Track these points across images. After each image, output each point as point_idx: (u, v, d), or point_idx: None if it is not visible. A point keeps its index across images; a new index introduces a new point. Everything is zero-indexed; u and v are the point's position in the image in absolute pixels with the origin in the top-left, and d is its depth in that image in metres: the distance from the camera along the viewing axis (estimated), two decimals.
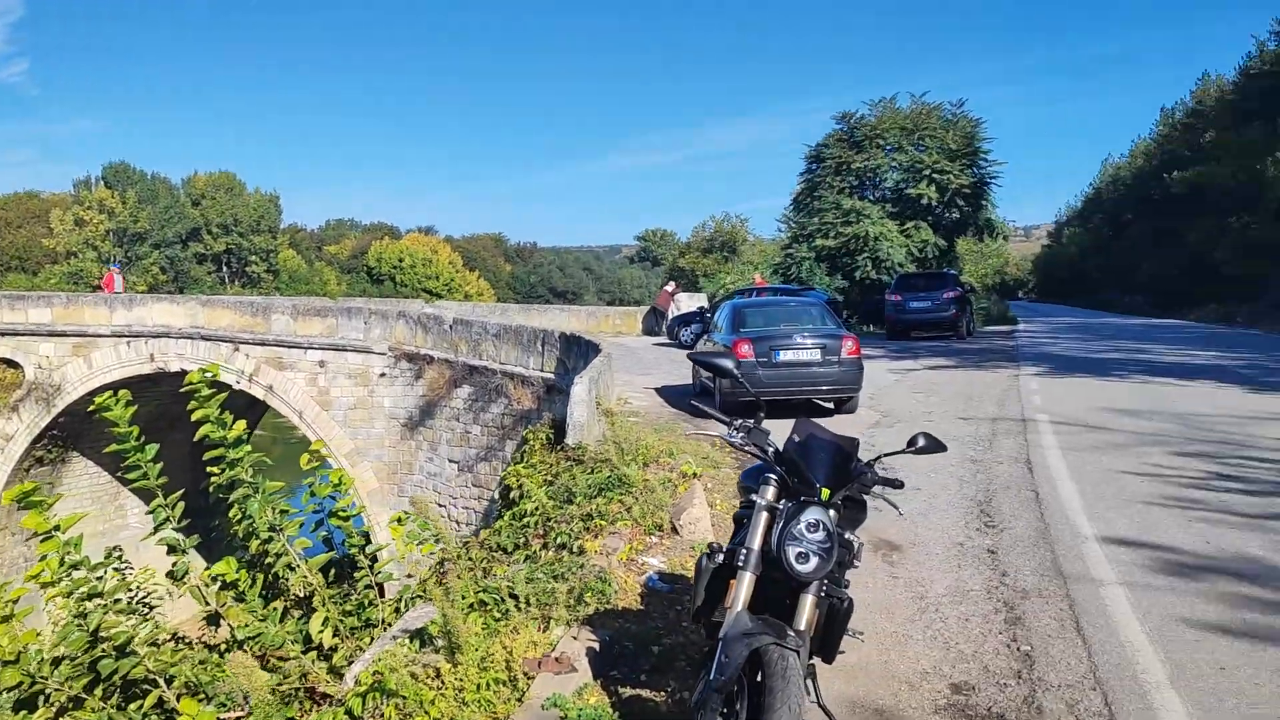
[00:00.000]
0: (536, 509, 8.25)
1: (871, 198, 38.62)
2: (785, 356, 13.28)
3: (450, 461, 20.94)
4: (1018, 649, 5.21)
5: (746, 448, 3.89)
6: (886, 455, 4.39)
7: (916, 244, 36.90)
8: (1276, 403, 14.24)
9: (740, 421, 3.94)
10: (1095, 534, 7.29)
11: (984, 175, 38.52)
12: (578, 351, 15.86)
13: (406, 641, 5.82)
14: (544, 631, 5.45)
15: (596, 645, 5.23)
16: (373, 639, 7.76)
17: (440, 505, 20.73)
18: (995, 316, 42.57)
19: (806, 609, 3.58)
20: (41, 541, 5.43)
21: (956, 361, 21.43)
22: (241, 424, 7.39)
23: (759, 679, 3.40)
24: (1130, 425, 12.26)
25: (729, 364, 4.38)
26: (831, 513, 3.64)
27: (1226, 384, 16.76)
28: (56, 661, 5.32)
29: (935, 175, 36.61)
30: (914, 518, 7.91)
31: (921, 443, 4.15)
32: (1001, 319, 42.55)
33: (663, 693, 4.75)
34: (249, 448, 7.50)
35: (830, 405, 13.98)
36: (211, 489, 6.58)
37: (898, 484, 4.13)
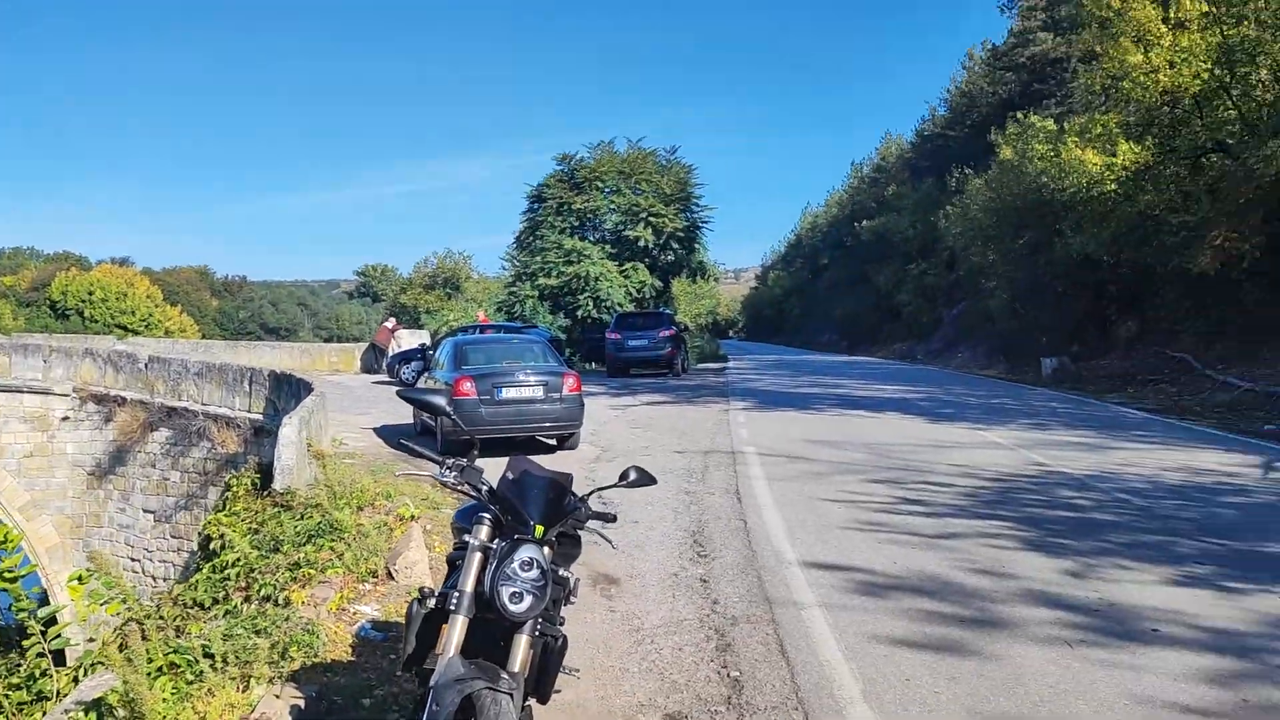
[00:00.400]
0: (239, 559, 7.68)
1: (592, 238, 39.59)
2: (508, 394, 13.24)
3: (145, 511, 19.23)
4: (728, 675, 5.39)
5: (460, 488, 3.79)
6: (601, 490, 4.43)
7: (635, 284, 38.16)
8: (950, 432, 15.79)
9: (453, 460, 3.84)
10: (797, 559, 7.71)
11: (697, 219, 40.55)
12: (289, 391, 15.08)
13: (81, 715, 5.21)
14: (243, 692, 5.04)
15: (302, 702, 4.91)
16: (44, 713, 6.92)
17: (134, 560, 18.97)
18: (708, 354, 44.64)
19: (521, 650, 3.52)
20: None
21: (672, 398, 22.24)
22: None
23: None
24: (828, 455, 13.16)
25: (441, 402, 4.26)
26: (546, 550, 3.60)
27: (909, 415, 18.41)
28: None
29: (651, 218, 38.11)
30: (631, 550, 8.06)
31: (633, 476, 4.23)
32: (714, 357, 44.68)
33: None
34: None
35: (553, 442, 14.07)
36: None
37: (611, 518, 4.17)
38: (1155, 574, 7.13)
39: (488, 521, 3.70)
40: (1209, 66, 22.33)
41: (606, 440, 14.91)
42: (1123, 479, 11.25)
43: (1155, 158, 24.14)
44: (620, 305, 36.41)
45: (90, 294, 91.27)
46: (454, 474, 3.79)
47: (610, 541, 4.29)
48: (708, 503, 10.16)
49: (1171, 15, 22.81)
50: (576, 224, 39.66)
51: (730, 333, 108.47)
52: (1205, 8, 22.51)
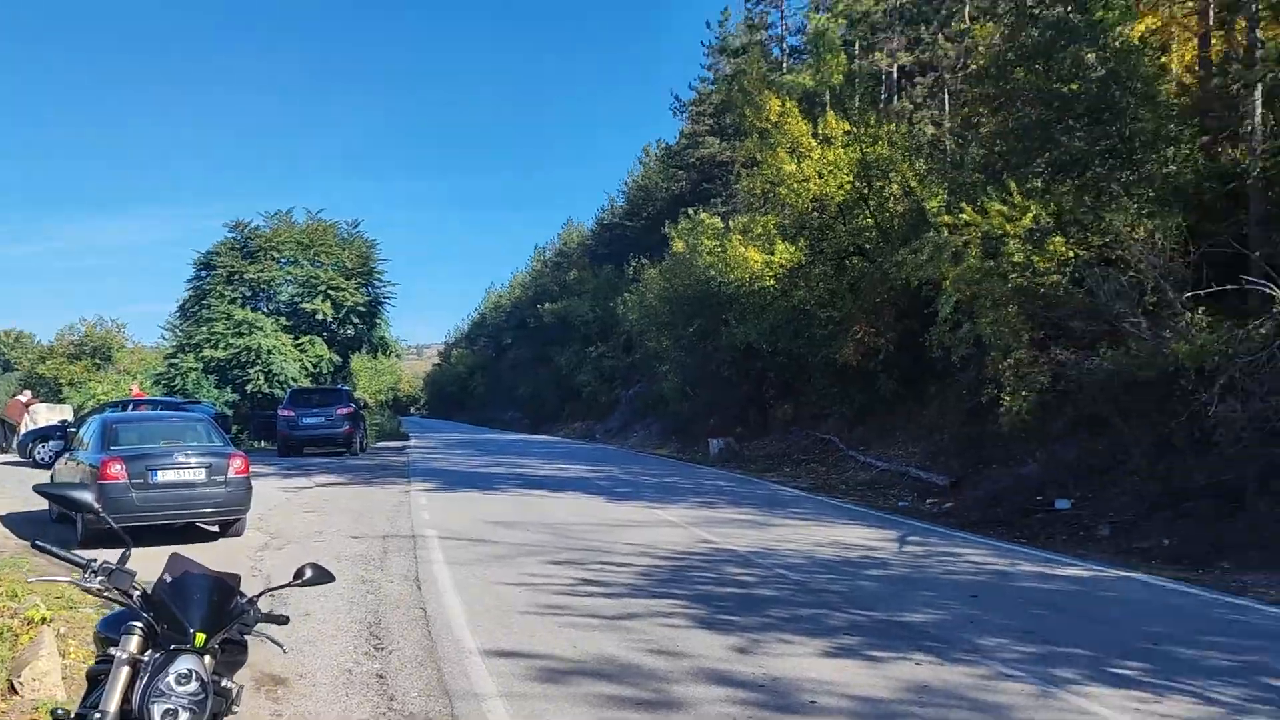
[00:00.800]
0: None
1: (266, 310, 37.67)
2: (165, 477, 12.15)
3: None
4: None
5: (106, 594, 3.40)
6: (273, 590, 4.15)
7: (311, 359, 36.62)
8: (627, 511, 16.30)
9: (100, 563, 3.43)
10: (478, 647, 7.58)
11: (379, 294, 39.75)
12: None
13: None
14: None
15: None
16: None
17: None
18: (388, 432, 43.53)
19: None
20: None
21: (350, 478, 21.41)
22: None
23: None
24: (510, 537, 13.14)
25: (88, 496, 3.82)
26: (207, 659, 3.29)
27: (590, 494, 18.83)
28: None
29: (331, 292, 36.91)
30: (301, 646, 7.58)
31: (309, 574, 3.97)
32: (394, 434, 43.63)
33: None
34: None
35: (215, 529, 13.05)
36: None
37: (283, 620, 3.89)
38: (811, 646, 7.67)
39: (139, 630, 3.33)
40: (850, 179, 25.13)
41: (276, 525, 14.05)
42: (781, 555, 12.08)
43: (807, 257, 26.67)
44: (295, 380, 34.73)
45: None
46: (100, 579, 3.39)
47: (280, 645, 3.99)
48: (386, 591, 9.79)
49: (820, 131, 25.54)
50: (249, 294, 37.60)
51: (412, 409, 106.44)
52: (847, 127, 25.43)
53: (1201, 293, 14.42)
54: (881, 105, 29.20)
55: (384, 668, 7.17)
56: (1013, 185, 16.72)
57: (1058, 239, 15.90)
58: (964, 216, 16.99)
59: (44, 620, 7.72)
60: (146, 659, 3.25)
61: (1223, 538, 12.49)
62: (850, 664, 7.19)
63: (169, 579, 3.44)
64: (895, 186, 25.43)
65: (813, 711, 6.11)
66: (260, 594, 3.83)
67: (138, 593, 3.40)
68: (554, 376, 60.89)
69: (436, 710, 6.20)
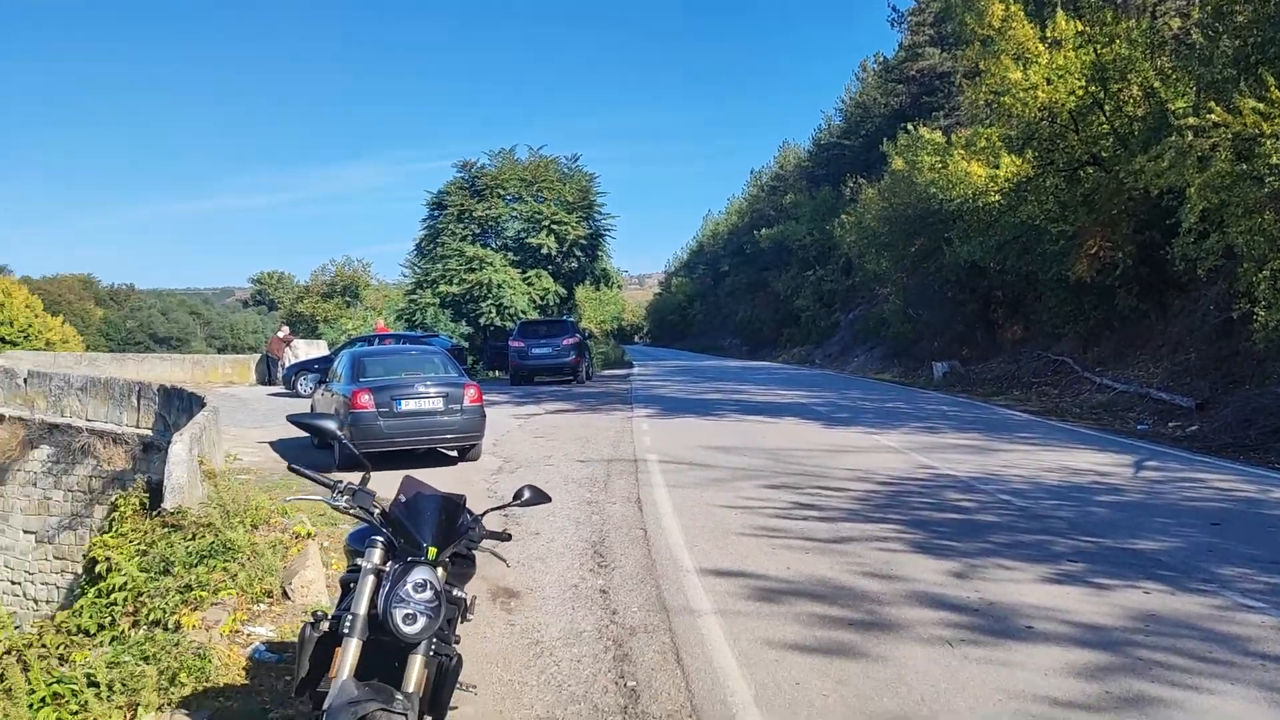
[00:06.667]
0: (126, 583, 7.48)
1: (494, 245, 39.39)
2: (408, 406, 13.13)
3: (26, 532, 18.45)
4: (625, 685, 5.49)
5: (351, 511, 3.81)
6: (494, 510, 4.49)
7: (538, 292, 38.09)
8: (846, 436, 16.21)
9: (345, 484, 3.85)
10: (695, 566, 7.86)
11: (600, 227, 40.70)
12: (179, 405, 14.69)
13: None
14: None
15: None
16: None
17: (14, 583, 18.18)
18: (613, 360, 44.84)
19: (415, 670, 3.56)
20: None
21: (576, 405, 22.29)
22: None
23: None
24: (728, 461, 13.39)
25: (332, 425, 4.26)
26: (439, 571, 3.65)
27: (807, 420, 18.83)
28: None
29: (554, 226, 38.11)
30: (531, 563, 8.11)
31: (527, 495, 4.30)
32: (618, 363, 44.91)
33: None
34: None
35: (454, 454, 14.00)
36: None
37: (505, 537, 4.23)
38: (1032, 572, 7.48)
39: (380, 545, 3.73)
40: (1083, 83, 23.36)
41: (509, 451, 14.90)
42: (1005, 480, 11.73)
43: (1035, 170, 25.14)
44: (524, 313, 36.31)
45: None
46: (345, 498, 3.81)
47: (504, 560, 4.35)
48: (609, 512, 10.26)
49: (1048, 34, 23.80)
50: (478, 231, 39.44)
51: (635, 338, 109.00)
52: (1080, 27, 23.56)
53: None
54: (1119, 1, 26.77)
55: (607, 584, 7.57)
56: (1270, 80, 15.08)
57: None
58: (1213, 117, 15.53)
59: (309, 535, 8.62)
60: (388, 569, 3.63)
61: None
62: (1073, 591, 6.97)
63: (403, 499, 3.82)
64: (1134, 88, 23.42)
65: (1030, 637, 5.99)
66: (484, 513, 4.17)
67: (377, 511, 3.80)
68: (771, 302, 60.65)
69: (655, 624, 6.51)
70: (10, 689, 4.47)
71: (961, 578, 7.38)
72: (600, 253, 41.15)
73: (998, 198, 25.47)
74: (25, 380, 19.20)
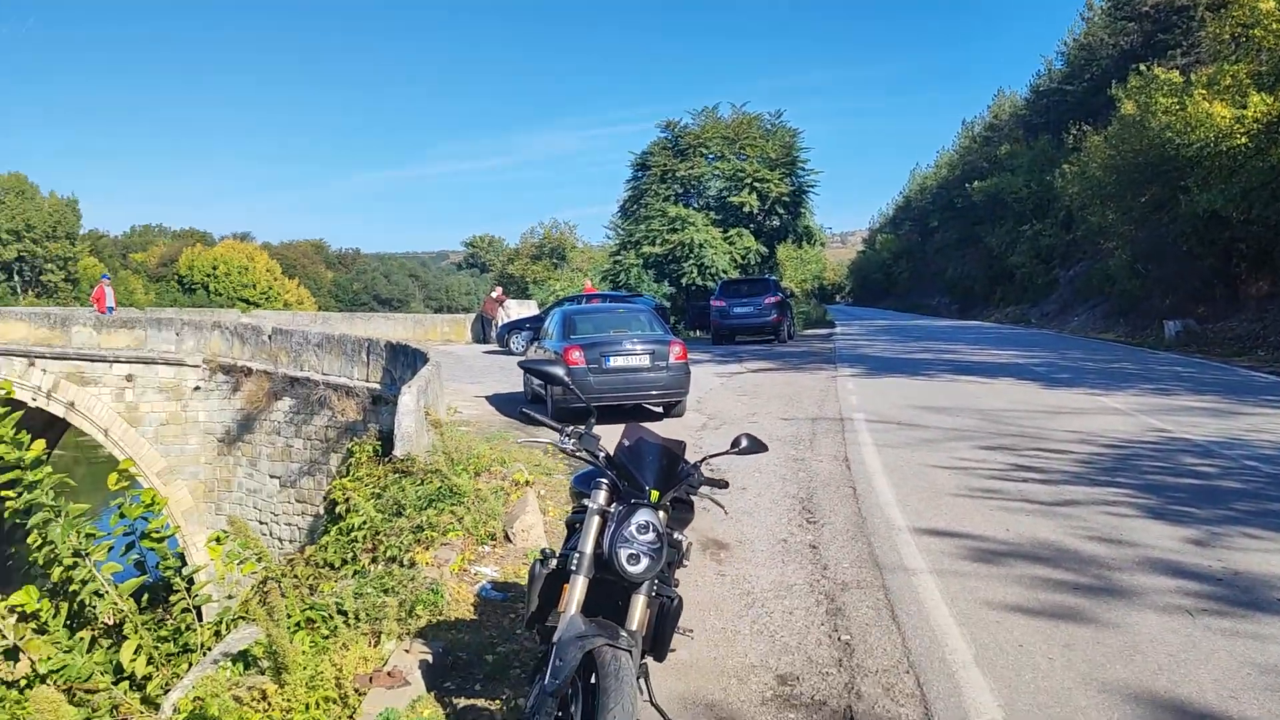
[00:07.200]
0: (364, 523, 8.05)
1: (696, 205, 39.52)
2: (615, 363, 13.43)
3: (271, 477, 20.16)
4: (838, 638, 5.46)
5: (579, 454, 3.94)
6: (712, 456, 4.54)
7: (740, 251, 38.00)
8: (1066, 398, 15.40)
9: (572, 428, 3.98)
10: (908, 525, 7.70)
11: (802, 184, 40.06)
12: (404, 360, 15.57)
13: (229, 665, 5.59)
14: (375, 646, 5.34)
15: (429, 657, 5.17)
16: (191, 665, 7.41)
17: (262, 523, 19.92)
18: (814, 320, 44.27)
19: (638, 609, 3.65)
20: None
21: (778, 364, 22.18)
22: (40, 444, 6.93)
23: (593, 681, 3.44)
24: (939, 422, 13.00)
25: (560, 371, 4.41)
26: (661, 514, 3.72)
27: (1023, 381, 18.00)
28: None
29: (756, 184, 37.82)
30: (740, 516, 8.16)
31: (744, 444, 4.31)
32: (820, 322, 44.29)
33: (497, 701, 4.73)
34: (49, 469, 7.03)
35: (660, 409, 14.23)
36: (7, 514, 6.14)
37: (723, 484, 4.27)
38: None
39: (605, 486, 3.84)
40: None
41: (713, 408, 15.00)
42: (1251, 445, 10.85)
43: None
44: (725, 272, 36.32)
45: (214, 269, 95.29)
46: (573, 440, 3.94)
47: (723, 507, 4.39)
48: (816, 469, 10.18)
49: None
50: (680, 191, 39.65)
51: (837, 298, 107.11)
52: None
53: None
54: None
55: (816, 539, 7.53)
56: None
57: None
58: None
59: (527, 483, 9.00)
60: (613, 510, 3.74)
61: None
62: None
63: (627, 443, 3.91)
64: None
65: None
66: (701, 460, 4.23)
67: (602, 455, 3.91)
68: (984, 258, 58.10)
69: (867, 580, 6.43)
70: (273, 613, 4.92)
71: (1202, 545, 6.90)
72: (803, 210, 40.55)
73: (1244, 140, 23.34)
74: (270, 337, 20.86)
